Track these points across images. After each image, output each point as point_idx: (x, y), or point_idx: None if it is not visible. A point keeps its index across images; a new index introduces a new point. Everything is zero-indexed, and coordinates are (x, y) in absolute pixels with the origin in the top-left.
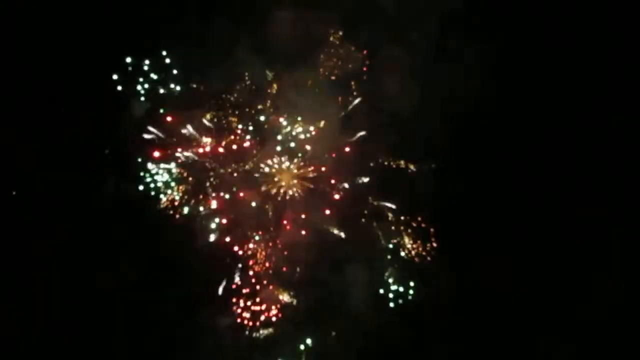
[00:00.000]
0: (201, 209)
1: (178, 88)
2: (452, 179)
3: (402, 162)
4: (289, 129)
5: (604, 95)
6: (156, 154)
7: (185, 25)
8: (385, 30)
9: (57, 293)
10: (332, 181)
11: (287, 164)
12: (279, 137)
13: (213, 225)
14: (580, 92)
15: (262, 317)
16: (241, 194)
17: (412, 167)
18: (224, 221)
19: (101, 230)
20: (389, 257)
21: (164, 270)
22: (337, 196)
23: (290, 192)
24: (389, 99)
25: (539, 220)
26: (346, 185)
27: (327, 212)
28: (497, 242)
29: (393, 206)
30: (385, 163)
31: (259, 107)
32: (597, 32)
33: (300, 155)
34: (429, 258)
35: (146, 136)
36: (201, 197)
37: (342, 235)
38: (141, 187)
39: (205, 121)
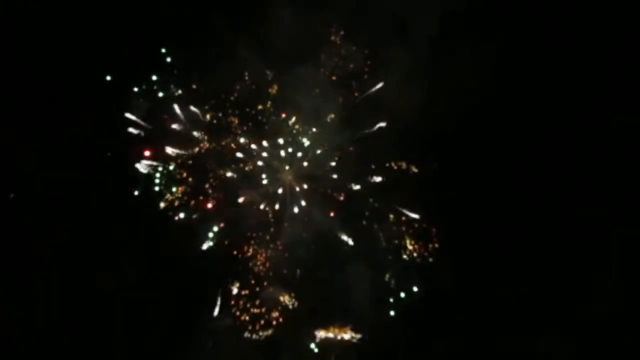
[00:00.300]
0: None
1: (178, 88)
2: (453, 179)
3: (403, 164)
4: (289, 129)
5: (604, 95)
6: (156, 154)
7: (185, 25)
8: (386, 29)
9: (57, 293)
10: (333, 181)
11: (288, 165)
12: (280, 138)
13: (213, 227)
14: (580, 92)
15: (262, 319)
16: (241, 195)
17: (413, 168)
18: (225, 222)
19: (101, 230)
20: (390, 257)
21: (164, 270)
22: (337, 196)
23: (291, 192)
24: (390, 99)
25: (539, 220)
26: (349, 186)
27: (329, 212)
28: (498, 242)
29: (395, 207)
30: (387, 165)
31: (259, 107)
32: (597, 32)
33: (301, 154)
34: (430, 259)
35: (146, 136)
36: (201, 198)
37: (344, 236)
38: (141, 188)
39: (205, 121)
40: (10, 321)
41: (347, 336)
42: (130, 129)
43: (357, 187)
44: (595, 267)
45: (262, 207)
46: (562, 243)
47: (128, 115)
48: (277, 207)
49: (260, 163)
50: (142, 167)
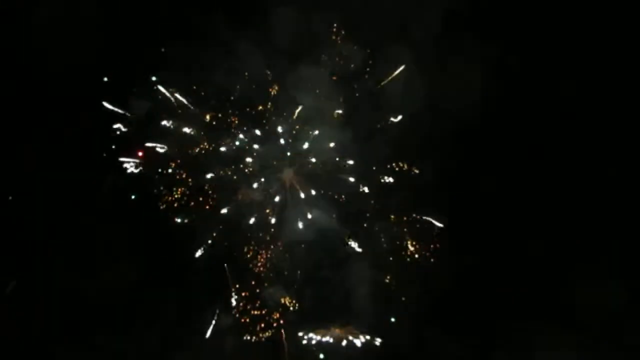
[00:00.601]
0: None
1: (178, 88)
2: (455, 179)
3: (405, 165)
4: (290, 128)
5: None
6: (154, 155)
7: (186, 23)
8: (388, 28)
9: (57, 293)
10: (334, 181)
11: (288, 165)
12: (280, 136)
13: (213, 227)
14: (582, 93)
15: (263, 320)
16: (241, 195)
17: (415, 170)
18: (225, 222)
19: (101, 230)
20: (391, 258)
21: (163, 271)
22: (339, 196)
23: (291, 192)
24: (392, 99)
25: (541, 220)
26: (350, 185)
27: (330, 211)
28: (500, 241)
29: (396, 207)
30: (388, 166)
31: (260, 107)
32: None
33: (301, 154)
34: (432, 260)
35: (145, 136)
36: (201, 199)
37: (345, 236)
38: (141, 188)
39: (204, 121)
40: (10, 321)
41: (348, 336)
42: (129, 129)
43: (359, 186)
44: (596, 266)
45: (262, 207)
46: (563, 243)
47: (126, 114)
48: (277, 207)
49: (260, 163)
50: (141, 168)
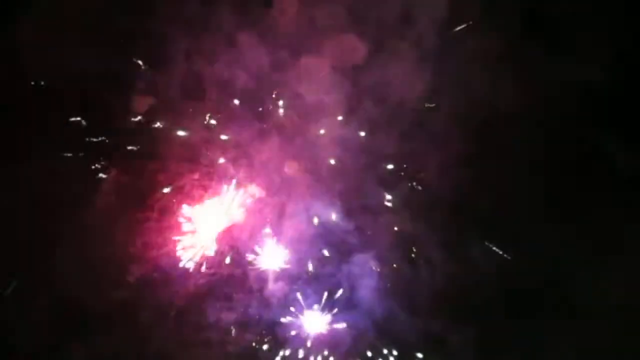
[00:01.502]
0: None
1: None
2: (457, 175)
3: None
4: (292, 122)
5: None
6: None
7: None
8: (392, 21)
9: (57, 293)
10: (338, 174)
11: (291, 159)
12: (283, 130)
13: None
14: (584, 94)
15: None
16: (242, 189)
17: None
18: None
19: (101, 230)
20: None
21: (164, 270)
22: (342, 189)
23: (294, 187)
24: (396, 91)
25: (543, 219)
26: (354, 178)
27: (333, 206)
28: (505, 238)
29: (400, 199)
30: (391, 167)
31: (261, 103)
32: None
33: (304, 148)
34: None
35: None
36: (202, 194)
37: (349, 231)
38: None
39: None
40: (10, 321)
41: (351, 333)
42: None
43: (363, 179)
44: (598, 265)
45: (264, 202)
46: (568, 242)
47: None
48: (280, 202)
49: (262, 157)
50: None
